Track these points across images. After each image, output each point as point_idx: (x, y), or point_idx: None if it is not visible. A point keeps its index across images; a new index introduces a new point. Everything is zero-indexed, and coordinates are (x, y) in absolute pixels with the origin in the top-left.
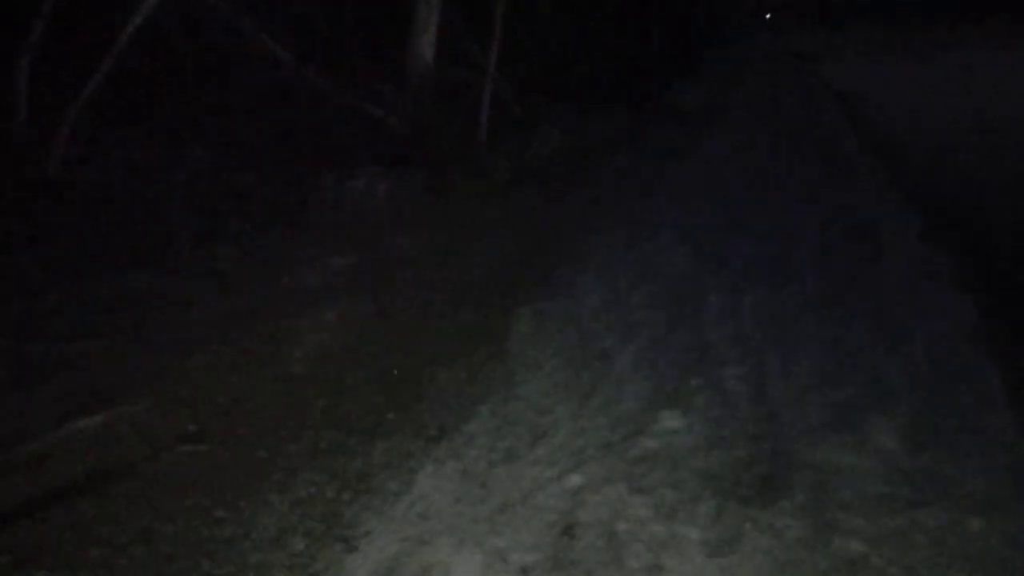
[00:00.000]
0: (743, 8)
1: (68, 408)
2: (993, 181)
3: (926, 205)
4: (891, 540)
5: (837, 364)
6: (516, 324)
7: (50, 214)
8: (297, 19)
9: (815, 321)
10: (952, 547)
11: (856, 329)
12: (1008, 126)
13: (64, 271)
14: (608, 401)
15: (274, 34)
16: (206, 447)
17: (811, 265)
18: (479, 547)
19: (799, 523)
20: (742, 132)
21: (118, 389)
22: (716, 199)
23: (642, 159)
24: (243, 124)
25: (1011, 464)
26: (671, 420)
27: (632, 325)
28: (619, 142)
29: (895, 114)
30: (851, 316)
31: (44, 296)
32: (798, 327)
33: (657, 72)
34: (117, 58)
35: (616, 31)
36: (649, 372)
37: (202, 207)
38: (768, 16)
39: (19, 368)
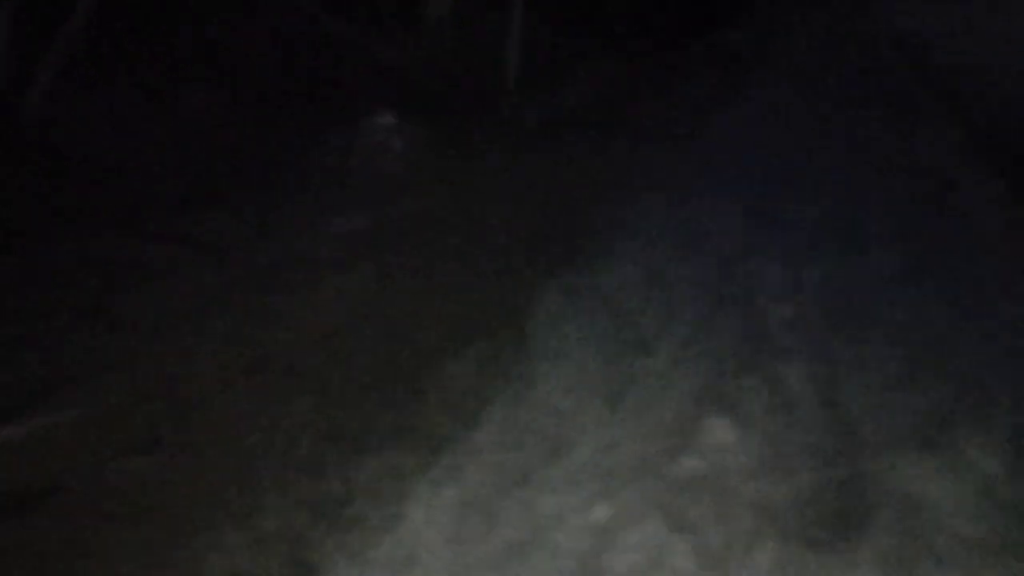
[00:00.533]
0: None
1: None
2: None
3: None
4: None
5: (922, 358)
6: (539, 302)
7: (13, 173)
8: None
9: (893, 303)
10: None
11: (943, 313)
12: None
13: (18, 236)
14: (644, 405)
15: None
16: (158, 460)
17: (885, 234)
18: None
19: None
20: (798, 78)
21: (66, 382)
22: (771, 154)
23: (688, 107)
24: (246, 68)
25: None
26: (720, 432)
27: (674, 306)
28: (663, 87)
29: (965, 60)
30: (936, 296)
31: None
32: (873, 310)
33: (704, 7)
34: None
35: None
36: (694, 367)
37: (192, 164)
38: None
39: None
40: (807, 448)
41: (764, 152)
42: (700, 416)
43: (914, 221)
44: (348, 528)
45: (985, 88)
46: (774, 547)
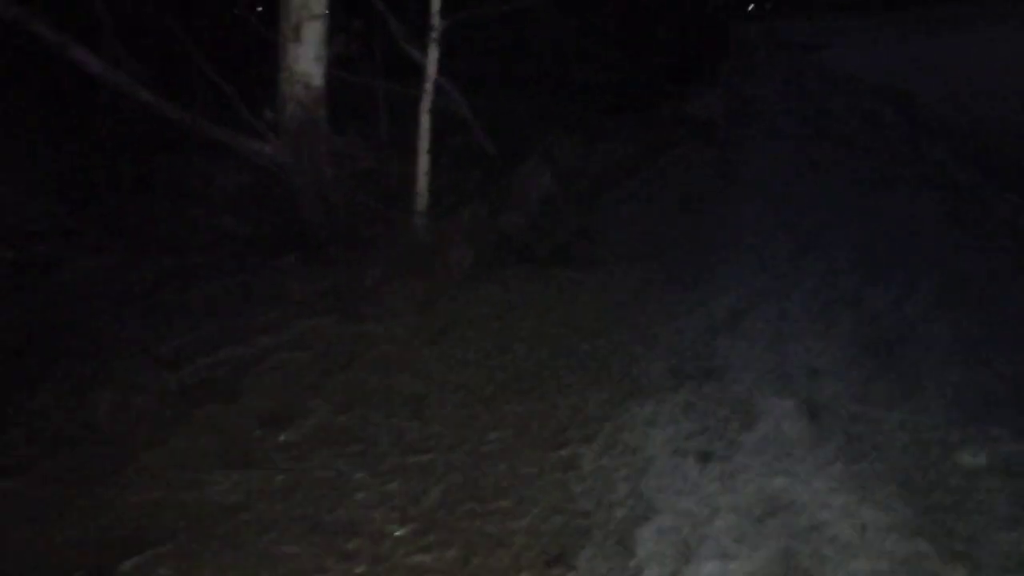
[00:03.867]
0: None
1: None
2: None
3: None
4: None
5: None
6: None
7: None
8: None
9: None
10: None
11: None
12: None
13: None
14: None
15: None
16: None
17: None
18: None
19: None
20: (785, 144)
21: None
22: (797, 279)
23: (671, 204)
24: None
25: None
26: None
27: None
28: (635, 174)
29: (944, 108)
30: None
31: None
32: None
33: (670, 75)
34: None
35: (619, 29)
36: None
37: None
38: (751, 7)
39: None
40: None
41: (789, 281)
42: None
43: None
44: None
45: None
46: None
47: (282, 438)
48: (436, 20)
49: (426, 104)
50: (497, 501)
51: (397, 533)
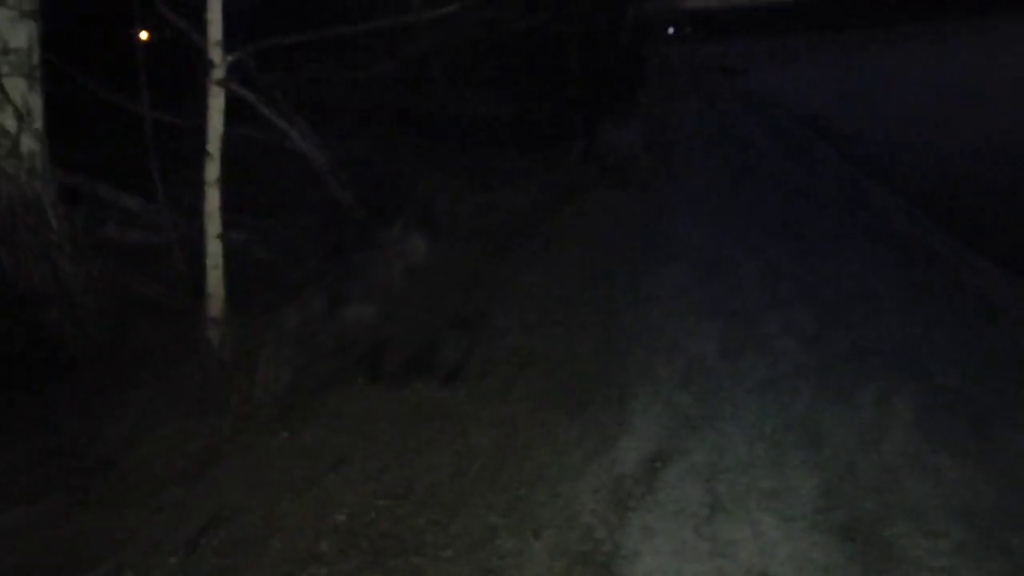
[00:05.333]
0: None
1: None
2: None
3: None
4: None
5: None
6: None
7: None
8: None
9: None
10: None
11: None
12: None
13: None
14: None
15: None
16: None
17: None
18: None
19: None
20: (710, 185)
21: None
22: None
23: (578, 273)
24: None
25: None
26: None
27: None
28: (538, 231)
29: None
30: None
31: None
32: None
33: (582, 107)
34: None
35: (525, 57)
36: None
37: None
38: (671, 31)
39: None
40: None
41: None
42: None
43: None
44: None
45: None
46: None
47: None
48: (217, 55)
49: (213, 171)
50: None
51: None
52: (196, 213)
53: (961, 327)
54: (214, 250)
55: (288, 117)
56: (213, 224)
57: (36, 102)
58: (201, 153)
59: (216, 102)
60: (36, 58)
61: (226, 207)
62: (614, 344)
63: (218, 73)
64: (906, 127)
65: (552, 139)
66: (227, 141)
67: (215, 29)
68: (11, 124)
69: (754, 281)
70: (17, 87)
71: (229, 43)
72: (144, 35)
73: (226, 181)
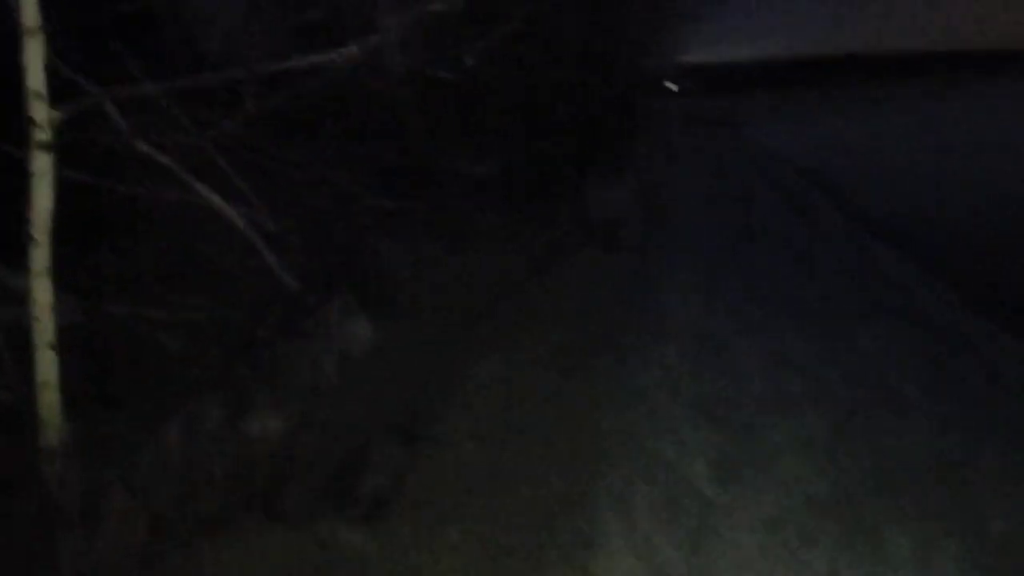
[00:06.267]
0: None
1: None
2: None
3: None
4: None
5: None
6: None
7: None
8: None
9: None
10: None
11: None
12: None
13: None
14: None
15: None
16: None
17: None
18: None
19: None
20: (706, 251)
21: None
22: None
23: (550, 360)
24: None
25: None
26: None
27: None
28: (509, 305)
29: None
30: None
31: None
32: None
33: (569, 162)
34: None
35: (509, 108)
36: None
37: None
38: (672, 86)
39: None
40: None
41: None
42: None
43: None
44: None
45: None
46: None
47: None
48: (41, 113)
49: (41, 259)
50: None
51: None
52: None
53: (1011, 439)
54: (46, 364)
55: (203, 174)
56: (43, 329)
57: None
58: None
59: (41, 171)
60: None
61: (131, 280)
62: (585, 460)
63: (41, 135)
64: (910, 181)
65: (537, 196)
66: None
67: (35, 78)
68: None
69: (755, 372)
70: None
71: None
72: None
73: (140, 249)
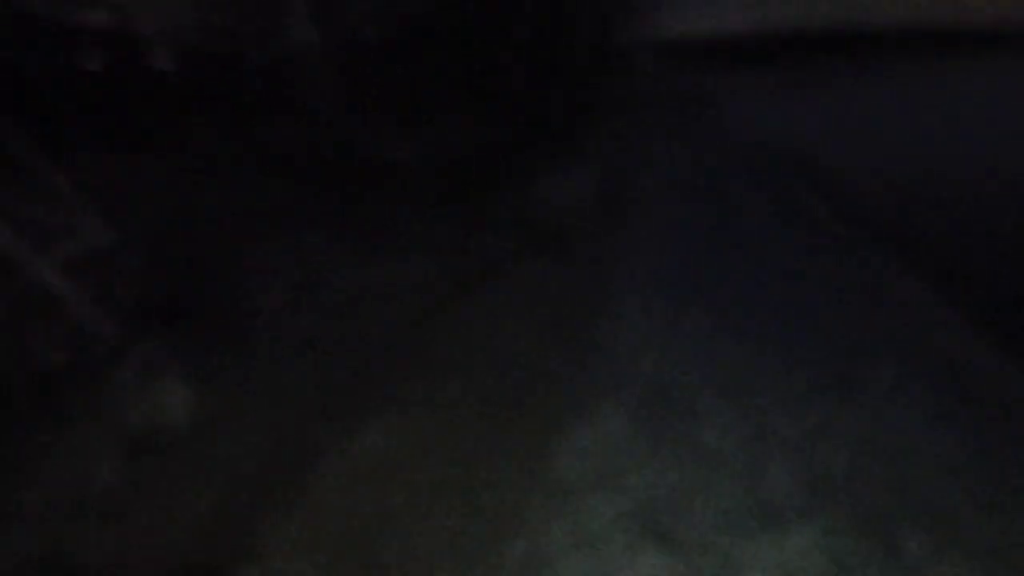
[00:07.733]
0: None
1: None
2: None
3: None
4: None
5: None
6: None
7: None
8: None
9: None
10: None
11: None
12: None
13: None
14: None
15: None
16: None
17: None
18: None
19: None
20: (677, 261)
21: None
22: None
23: (472, 424)
24: None
25: None
26: None
27: None
28: (422, 344)
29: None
30: None
31: None
32: None
33: (517, 146)
34: None
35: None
36: None
37: None
38: (649, 62)
39: None
40: None
41: None
42: None
43: None
44: None
45: None
46: None
47: None
48: None
49: None
50: None
51: None
52: None
53: None
54: None
55: None
56: None
57: None
58: None
59: None
60: None
61: None
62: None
63: None
64: (908, 170)
65: (473, 190)
66: None
67: None
68: None
69: (729, 454)
70: None
71: None
72: None
73: None
